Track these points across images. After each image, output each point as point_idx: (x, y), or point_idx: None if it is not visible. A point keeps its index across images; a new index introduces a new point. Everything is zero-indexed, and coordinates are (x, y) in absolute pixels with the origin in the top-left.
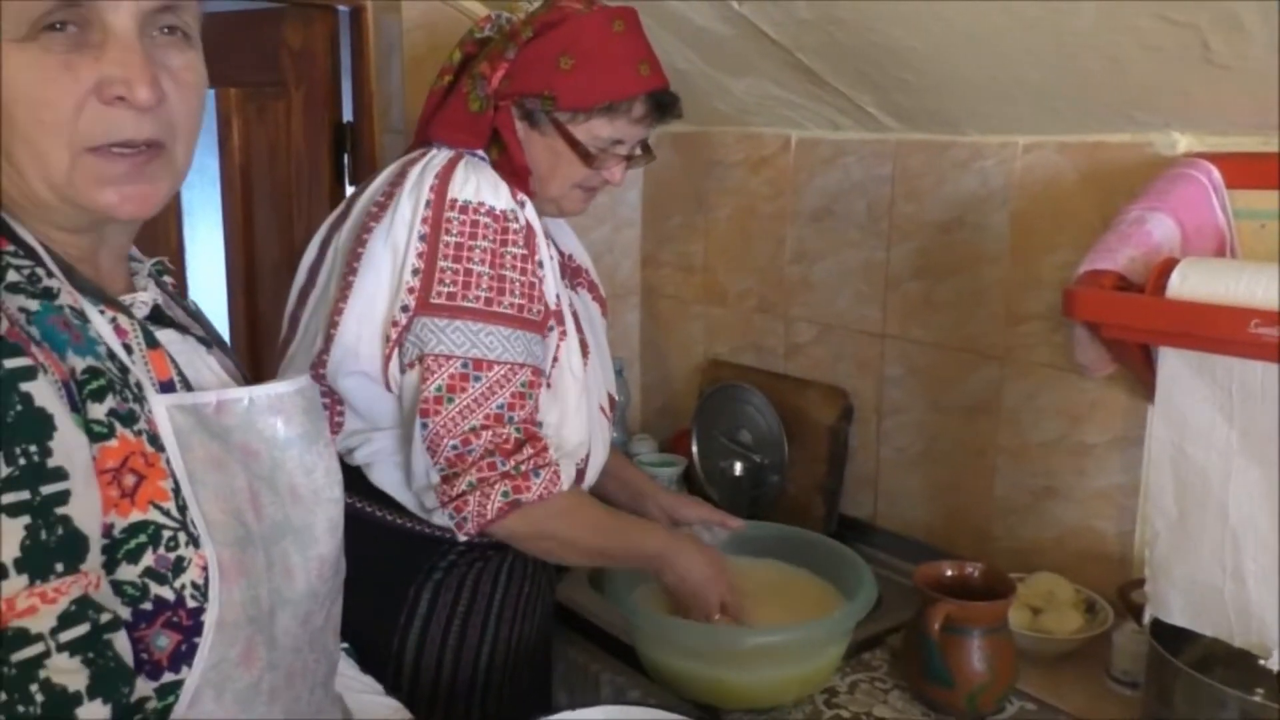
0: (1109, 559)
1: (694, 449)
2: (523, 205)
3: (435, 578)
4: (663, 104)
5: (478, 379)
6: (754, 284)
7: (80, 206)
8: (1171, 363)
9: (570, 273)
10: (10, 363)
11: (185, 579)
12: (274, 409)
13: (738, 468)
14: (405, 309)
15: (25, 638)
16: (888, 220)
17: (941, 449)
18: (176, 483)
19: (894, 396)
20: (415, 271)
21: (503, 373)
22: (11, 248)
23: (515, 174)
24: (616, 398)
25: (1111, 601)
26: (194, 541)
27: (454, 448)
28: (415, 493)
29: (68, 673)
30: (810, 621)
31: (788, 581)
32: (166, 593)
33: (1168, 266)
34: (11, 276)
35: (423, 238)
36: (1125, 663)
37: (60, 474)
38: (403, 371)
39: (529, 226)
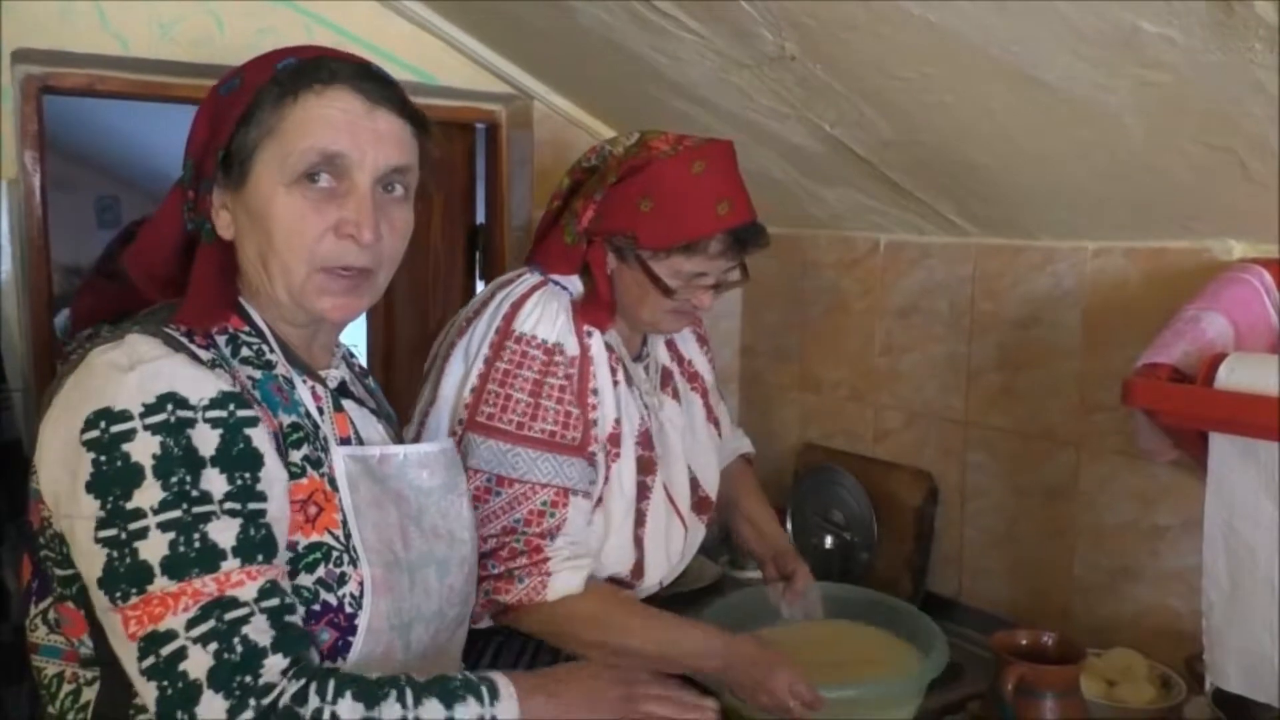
0: (1182, 635)
1: (789, 526)
2: (589, 335)
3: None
4: (742, 239)
5: (498, 494)
6: (845, 374)
7: (305, 309)
8: (1221, 447)
9: (689, 378)
10: (242, 412)
11: (346, 590)
12: (422, 463)
13: (829, 543)
14: (461, 421)
15: (235, 603)
16: (969, 317)
17: (1022, 530)
18: (345, 515)
19: (976, 480)
20: (473, 389)
21: (522, 491)
22: (246, 328)
23: (599, 304)
24: (712, 498)
25: (1184, 676)
26: (354, 562)
27: None
28: None
29: (261, 631)
30: (884, 680)
31: (871, 642)
32: (331, 599)
33: (1217, 360)
34: (244, 352)
35: (486, 360)
36: None
37: (263, 496)
38: None
39: (584, 358)
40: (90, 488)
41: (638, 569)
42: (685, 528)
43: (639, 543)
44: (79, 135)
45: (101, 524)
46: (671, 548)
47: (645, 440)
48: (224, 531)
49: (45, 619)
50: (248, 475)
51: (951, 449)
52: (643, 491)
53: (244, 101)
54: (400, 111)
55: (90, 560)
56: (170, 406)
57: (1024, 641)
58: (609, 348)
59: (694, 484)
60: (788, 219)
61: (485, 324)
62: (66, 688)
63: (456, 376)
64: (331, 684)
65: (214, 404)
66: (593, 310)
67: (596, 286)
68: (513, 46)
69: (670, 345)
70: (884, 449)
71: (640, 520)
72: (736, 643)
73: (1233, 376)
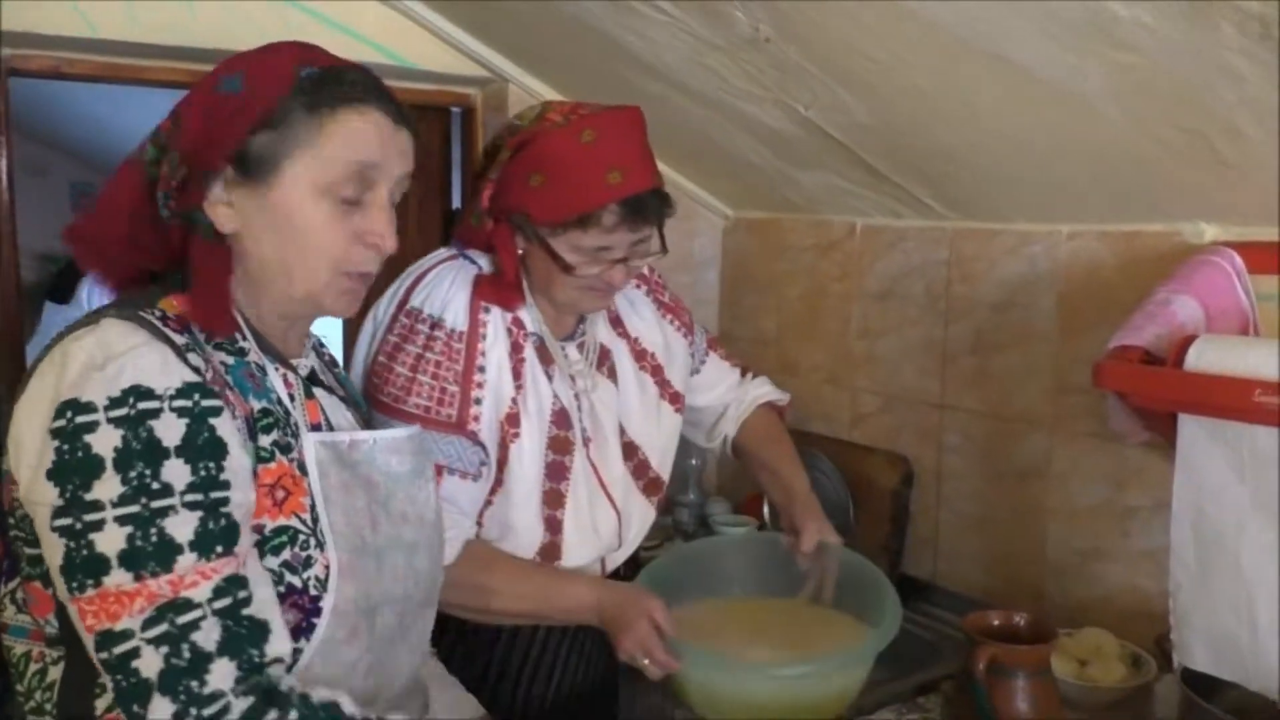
0: (1153, 616)
1: (765, 511)
2: (486, 312)
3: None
4: (638, 208)
5: None
6: (822, 358)
7: (319, 307)
8: (1190, 428)
9: (636, 355)
10: (206, 402)
11: (311, 573)
12: (391, 449)
13: None
14: (364, 389)
15: (189, 605)
16: (945, 300)
17: (996, 512)
18: (313, 500)
19: (952, 463)
20: (370, 360)
21: None
22: None
23: (504, 283)
24: (664, 478)
25: (1155, 655)
26: (321, 545)
27: None
28: None
29: (210, 635)
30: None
31: (811, 617)
32: (296, 581)
33: (1186, 342)
34: (218, 338)
35: (384, 331)
36: (1165, 710)
37: (227, 485)
38: None
39: (473, 335)
40: (51, 475)
41: (551, 550)
42: (616, 510)
43: (553, 524)
44: (53, 120)
45: (58, 513)
46: (601, 529)
47: (561, 420)
48: (182, 526)
49: (14, 598)
50: (211, 465)
51: (927, 432)
52: (560, 472)
53: (262, 106)
54: (410, 128)
55: (51, 548)
56: (133, 400)
57: (996, 622)
58: (520, 325)
59: (642, 465)
60: (764, 203)
61: (389, 298)
62: (33, 666)
63: (363, 348)
64: (293, 715)
65: (180, 393)
66: (497, 289)
67: (502, 266)
68: (488, 29)
69: (617, 323)
70: (860, 433)
71: (556, 501)
72: (609, 592)
73: (1202, 359)
